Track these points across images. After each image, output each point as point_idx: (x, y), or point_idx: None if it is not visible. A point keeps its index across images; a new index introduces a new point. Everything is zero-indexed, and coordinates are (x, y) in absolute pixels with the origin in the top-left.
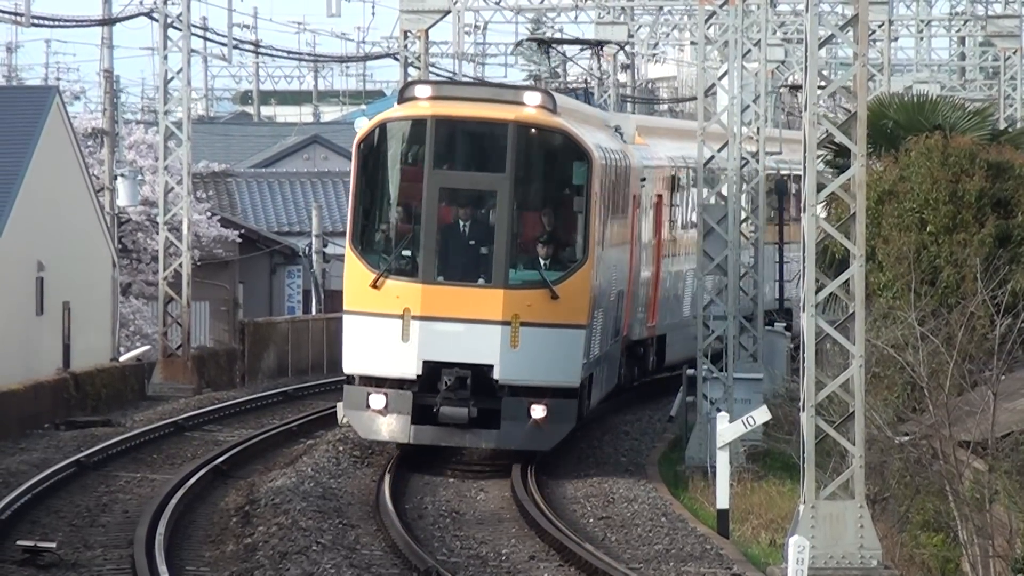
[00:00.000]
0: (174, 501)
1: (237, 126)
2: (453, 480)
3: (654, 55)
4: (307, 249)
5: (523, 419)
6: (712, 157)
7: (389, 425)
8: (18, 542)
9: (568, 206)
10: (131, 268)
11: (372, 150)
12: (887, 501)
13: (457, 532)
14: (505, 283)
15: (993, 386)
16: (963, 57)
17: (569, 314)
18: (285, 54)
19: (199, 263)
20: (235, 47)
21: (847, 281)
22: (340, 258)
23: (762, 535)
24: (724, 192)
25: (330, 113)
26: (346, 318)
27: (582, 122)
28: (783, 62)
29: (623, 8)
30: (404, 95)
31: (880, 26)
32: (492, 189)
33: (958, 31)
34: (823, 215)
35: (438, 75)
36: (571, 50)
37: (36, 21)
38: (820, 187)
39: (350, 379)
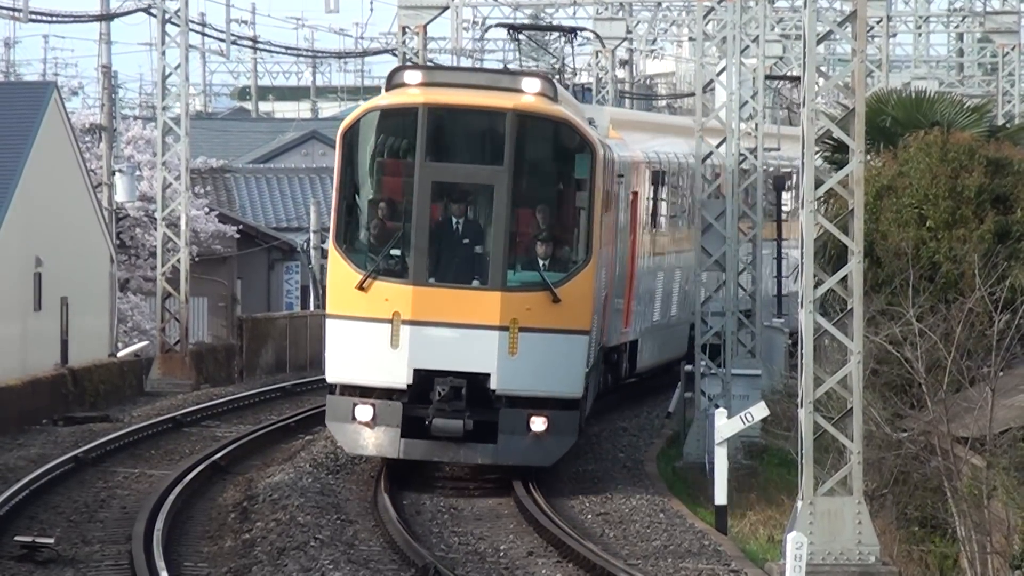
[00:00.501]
0: (172, 497)
1: (235, 122)
2: (451, 477)
3: (652, 51)
4: (305, 245)
5: (522, 432)
6: (710, 153)
7: (377, 439)
8: (16, 538)
9: (570, 202)
10: (129, 264)
11: (358, 141)
12: (885, 497)
13: (455, 528)
14: (502, 285)
15: (991, 382)
16: (961, 53)
17: (571, 319)
18: (283, 50)
19: (197, 259)
20: (233, 43)
21: (845, 277)
22: None
23: (760, 531)
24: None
25: (328, 109)
26: (329, 323)
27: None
28: (781, 58)
29: (621, 4)
30: (392, 81)
31: (878, 22)
32: (489, 183)
33: (956, 27)
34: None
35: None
36: (577, 46)
37: (34, 16)
38: (819, 183)
39: (333, 389)
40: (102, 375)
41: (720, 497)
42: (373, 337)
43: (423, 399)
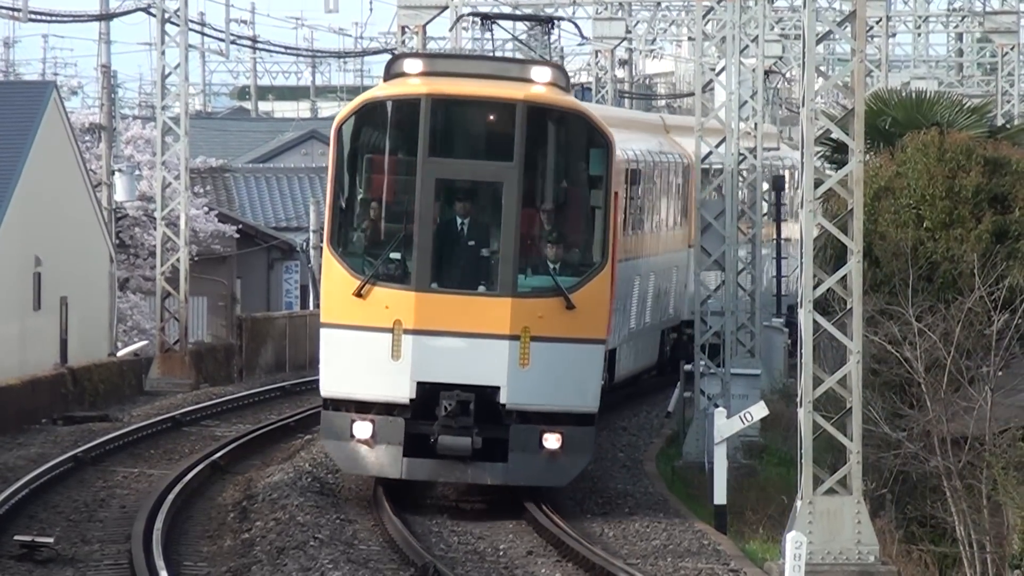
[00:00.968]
0: (172, 496)
1: (235, 121)
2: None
3: (652, 51)
4: (305, 244)
5: (534, 450)
6: (710, 153)
7: (377, 458)
8: (15, 537)
9: (585, 200)
10: (129, 263)
11: (354, 136)
12: (884, 497)
13: (455, 527)
14: (513, 290)
15: (990, 381)
16: (961, 53)
17: (587, 327)
18: (283, 49)
19: (197, 258)
20: (233, 42)
21: (844, 277)
22: None
23: (759, 531)
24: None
25: (328, 109)
26: (324, 332)
27: None
28: (780, 58)
29: (620, 3)
30: (391, 71)
31: (878, 22)
32: (497, 180)
33: (956, 27)
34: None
35: None
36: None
37: (34, 16)
38: (818, 183)
39: (328, 404)
40: (102, 374)
41: (719, 496)
42: (372, 348)
43: (427, 415)
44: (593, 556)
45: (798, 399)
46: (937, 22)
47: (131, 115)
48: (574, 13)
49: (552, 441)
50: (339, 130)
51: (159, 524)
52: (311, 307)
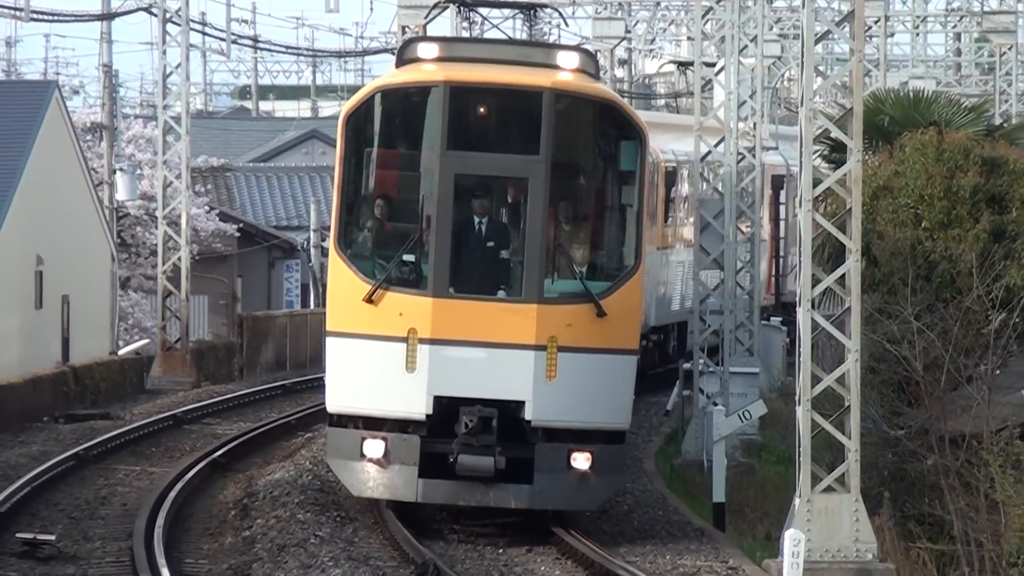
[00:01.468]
0: (173, 494)
1: (236, 121)
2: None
3: (651, 50)
4: (305, 243)
5: (562, 471)
6: (709, 152)
7: (390, 479)
8: (17, 534)
9: (617, 198)
10: (130, 262)
11: (365, 127)
12: (883, 495)
13: (454, 525)
14: (539, 297)
15: (988, 380)
16: (959, 53)
17: (619, 336)
18: (284, 49)
19: (198, 257)
20: (234, 42)
21: (843, 276)
22: None
23: (758, 528)
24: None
25: (328, 108)
26: (330, 341)
27: None
28: (779, 58)
29: (620, 3)
30: (404, 56)
31: (876, 22)
32: (522, 176)
33: (954, 27)
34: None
35: None
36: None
37: (35, 16)
38: (816, 182)
39: (334, 420)
40: (103, 373)
41: (718, 494)
42: (384, 359)
43: (445, 432)
44: (592, 554)
45: (796, 397)
46: (935, 22)
47: (132, 114)
48: (573, 13)
49: (581, 461)
50: (347, 121)
51: (160, 521)
52: (312, 306)
